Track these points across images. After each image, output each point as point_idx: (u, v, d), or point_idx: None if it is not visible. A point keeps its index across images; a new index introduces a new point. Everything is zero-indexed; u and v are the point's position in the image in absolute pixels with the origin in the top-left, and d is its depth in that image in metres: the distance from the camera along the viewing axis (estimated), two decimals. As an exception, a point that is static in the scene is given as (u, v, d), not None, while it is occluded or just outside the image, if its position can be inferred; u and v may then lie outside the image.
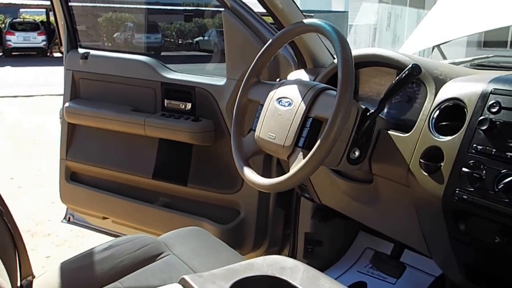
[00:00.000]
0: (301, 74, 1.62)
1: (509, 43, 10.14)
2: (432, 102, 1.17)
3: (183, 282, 0.85)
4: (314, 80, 1.54)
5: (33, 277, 1.23)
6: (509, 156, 0.97)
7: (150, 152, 2.04)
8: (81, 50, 2.18)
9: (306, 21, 1.25)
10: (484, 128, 1.01)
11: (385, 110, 1.34)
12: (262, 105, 1.30)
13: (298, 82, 1.27)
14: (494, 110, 1.02)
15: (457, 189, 1.04)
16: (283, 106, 1.23)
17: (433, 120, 1.15)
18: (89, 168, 2.19)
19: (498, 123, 1.00)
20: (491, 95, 1.05)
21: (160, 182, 2.02)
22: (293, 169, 1.10)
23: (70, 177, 2.26)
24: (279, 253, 2.02)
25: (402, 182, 1.22)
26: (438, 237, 1.20)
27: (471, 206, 1.03)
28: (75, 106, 2.14)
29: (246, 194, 1.89)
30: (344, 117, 1.05)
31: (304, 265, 0.93)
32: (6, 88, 9.61)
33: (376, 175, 1.30)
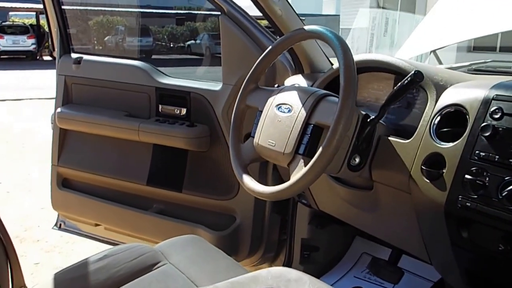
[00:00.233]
0: (299, 80, 1.60)
1: (498, 48, 10.24)
2: (433, 108, 1.16)
3: None
4: (312, 86, 1.52)
5: None
6: None
7: (144, 158, 2.01)
8: (74, 55, 2.15)
9: (307, 27, 1.24)
10: (486, 134, 1.00)
11: (384, 116, 1.33)
12: (261, 112, 1.28)
13: (298, 88, 1.25)
14: (496, 116, 1.01)
15: (460, 196, 1.03)
16: (282, 113, 1.21)
17: (434, 126, 1.14)
18: (82, 174, 2.16)
19: (500, 129, 0.99)
20: (493, 101, 1.04)
21: (154, 188, 2.00)
22: (295, 177, 1.08)
23: (62, 183, 2.23)
24: (274, 259, 2.00)
25: (403, 188, 1.20)
26: (439, 243, 1.18)
27: (475, 214, 1.01)
28: (67, 112, 2.11)
29: (242, 200, 1.87)
30: (347, 124, 1.03)
31: (309, 277, 0.91)
32: (-6, 91, 9.52)
33: (376, 182, 1.29)
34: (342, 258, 1.96)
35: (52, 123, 2.20)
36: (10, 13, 21.41)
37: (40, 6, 2.16)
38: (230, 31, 1.74)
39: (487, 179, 0.99)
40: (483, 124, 1.02)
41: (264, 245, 1.93)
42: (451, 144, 1.08)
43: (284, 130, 1.18)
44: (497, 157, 0.98)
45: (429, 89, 1.20)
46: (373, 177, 1.27)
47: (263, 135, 1.24)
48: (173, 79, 1.98)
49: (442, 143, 1.10)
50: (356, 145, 1.20)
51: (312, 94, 1.18)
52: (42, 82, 10.71)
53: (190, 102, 1.90)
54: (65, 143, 2.19)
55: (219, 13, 1.76)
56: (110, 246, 2.20)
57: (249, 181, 1.22)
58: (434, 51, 2.11)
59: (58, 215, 2.36)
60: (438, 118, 1.14)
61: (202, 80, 1.95)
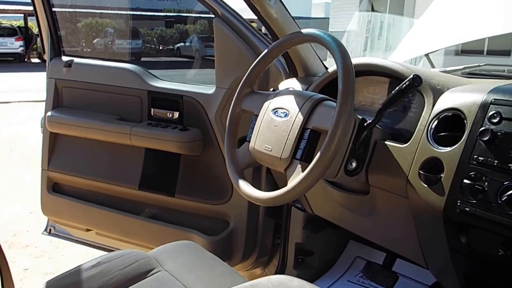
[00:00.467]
0: (294, 83, 1.59)
1: (485, 51, 10.35)
2: (430, 112, 1.16)
3: None
4: (307, 89, 1.51)
5: (17, 296, 1.17)
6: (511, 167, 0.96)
7: (136, 162, 1.99)
8: (64, 58, 2.12)
9: (304, 31, 1.22)
10: (485, 139, 1.00)
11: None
12: (257, 116, 1.27)
13: (294, 92, 1.24)
14: (495, 120, 1.01)
15: (459, 201, 1.03)
16: (279, 117, 1.20)
17: (432, 131, 1.13)
18: (72, 178, 2.13)
19: (499, 134, 0.99)
20: (491, 105, 1.03)
21: (146, 193, 1.97)
22: (292, 182, 1.07)
23: (52, 188, 2.20)
24: (268, 263, 1.99)
25: (400, 193, 1.19)
26: (437, 248, 1.18)
27: (474, 219, 1.01)
28: (57, 115, 2.08)
29: (236, 205, 1.85)
30: (345, 128, 1.02)
31: (310, 285, 0.90)
32: (-18, 94, 9.41)
33: (373, 186, 1.28)
34: (336, 262, 1.95)
35: (42, 126, 2.17)
36: (-2, 15, 21.22)
37: (28, 8, 2.14)
38: (224, 34, 1.72)
39: (486, 183, 0.99)
40: (481, 129, 1.01)
41: (257, 250, 1.91)
42: (449, 149, 1.07)
43: (281, 134, 1.17)
44: (496, 161, 0.98)
45: (426, 93, 1.20)
46: (370, 182, 1.26)
47: (259, 140, 1.23)
48: (165, 82, 1.97)
49: (440, 147, 1.09)
50: (353, 149, 1.19)
51: (309, 99, 1.17)
52: (31, 85, 10.62)
53: (183, 105, 1.89)
54: (55, 147, 2.16)
55: (212, 15, 1.75)
56: (102, 252, 2.20)
57: (245, 186, 1.21)
58: (427, 55, 2.11)
59: (48, 220, 2.33)
60: (436, 122, 1.13)
61: (195, 84, 1.93)
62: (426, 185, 1.09)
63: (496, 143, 0.99)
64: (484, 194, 0.99)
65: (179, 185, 1.93)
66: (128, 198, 2.03)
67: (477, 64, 1.72)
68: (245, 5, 1.55)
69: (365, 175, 1.25)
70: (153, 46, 16.49)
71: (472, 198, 1.00)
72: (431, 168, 1.09)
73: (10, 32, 17.92)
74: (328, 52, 1.15)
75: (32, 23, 19.41)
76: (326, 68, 1.65)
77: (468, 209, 1.01)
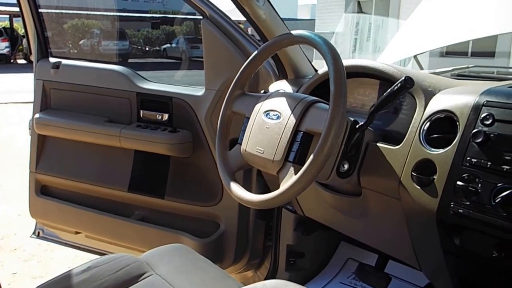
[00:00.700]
0: (284, 85, 1.59)
1: (469, 53, 10.47)
2: (422, 114, 1.16)
3: None
4: (297, 91, 1.51)
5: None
6: (505, 169, 0.96)
7: (125, 165, 1.97)
8: (52, 59, 2.10)
9: (294, 32, 1.22)
10: (478, 141, 1.00)
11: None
12: (248, 118, 1.26)
13: (286, 95, 1.23)
14: (487, 122, 1.01)
15: (452, 202, 1.03)
16: (271, 119, 1.19)
17: (424, 132, 1.13)
18: (61, 181, 2.11)
19: (492, 135, 0.99)
20: (483, 107, 1.04)
21: (136, 195, 1.96)
22: (285, 185, 1.06)
23: (41, 190, 2.17)
24: (259, 265, 1.98)
25: (392, 195, 1.20)
26: (430, 250, 1.18)
27: (467, 220, 1.01)
28: (45, 117, 2.05)
29: (226, 207, 1.84)
30: (338, 131, 1.02)
31: (306, 289, 0.89)
32: (-33, 96, 9.28)
33: (365, 188, 1.28)
34: (327, 264, 1.95)
35: (30, 128, 2.15)
36: (-18, 16, 20.98)
37: (14, 9, 2.11)
38: (213, 35, 1.72)
39: (480, 185, 0.99)
40: (474, 131, 1.02)
41: (249, 252, 1.91)
42: (441, 151, 1.07)
43: (273, 137, 1.16)
44: (489, 163, 0.98)
45: (418, 95, 1.20)
46: (362, 184, 1.26)
47: (251, 142, 1.22)
48: (154, 84, 1.95)
49: (433, 149, 1.09)
50: (345, 151, 1.19)
51: (301, 101, 1.17)
52: (17, 86, 10.50)
53: (172, 107, 1.87)
54: (43, 149, 2.14)
55: (199, 17, 1.74)
56: (91, 255, 2.17)
57: (237, 189, 1.20)
58: (415, 56, 2.12)
59: (36, 223, 2.31)
60: (428, 124, 1.13)
61: (184, 85, 1.92)
62: (419, 187, 1.09)
63: (489, 145, 1.00)
64: (478, 196, 0.99)
65: (169, 187, 1.92)
66: (118, 200, 2.01)
67: (466, 66, 1.73)
68: (232, 6, 1.54)
69: (357, 177, 1.25)
70: (139, 47, 16.42)
71: (465, 199, 1.01)
72: (424, 170, 1.10)
73: (-5, 33, 17.75)
74: (315, 54, 1.15)
75: (17, 24, 19.23)
76: (316, 70, 1.65)
77: (461, 210, 1.01)
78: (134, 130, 1.89)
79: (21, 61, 17.81)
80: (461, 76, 1.57)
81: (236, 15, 1.71)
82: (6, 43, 17.49)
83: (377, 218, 1.33)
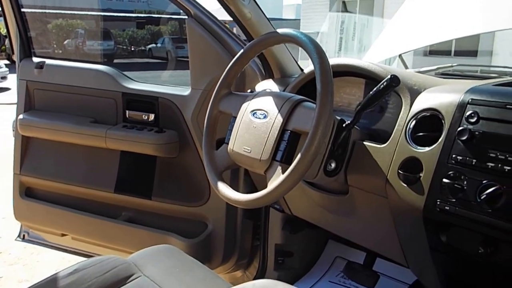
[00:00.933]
0: (270, 85, 1.59)
1: (452, 52, 10.58)
2: (407, 112, 1.17)
3: None
4: (283, 90, 1.51)
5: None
6: (490, 166, 0.97)
7: (111, 165, 1.96)
8: (35, 59, 2.07)
9: (280, 31, 1.22)
10: (463, 138, 1.01)
11: None
12: (235, 117, 1.26)
13: (272, 94, 1.23)
14: (472, 120, 1.02)
15: (438, 200, 1.04)
16: (258, 119, 1.19)
17: (410, 131, 1.14)
18: (46, 183, 2.08)
19: (477, 133, 1.00)
20: (468, 105, 1.05)
21: (122, 196, 1.94)
22: (272, 184, 1.06)
23: (25, 192, 2.14)
24: (248, 265, 1.98)
25: (379, 193, 1.20)
26: (417, 247, 1.19)
27: (454, 217, 1.02)
28: (29, 118, 2.03)
29: (214, 207, 1.84)
30: (325, 130, 1.02)
31: (295, 289, 0.89)
32: None
33: (352, 186, 1.28)
34: (316, 263, 1.96)
35: (13, 130, 2.12)
36: (-37, 16, 20.66)
37: (-5, 8, 2.07)
38: (198, 35, 1.71)
39: (465, 182, 1.00)
40: (459, 129, 1.03)
41: (237, 252, 1.90)
42: (427, 149, 1.08)
43: (260, 136, 1.16)
44: (474, 160, 0.99)
45: (403, 93, 1.21)
46: (349, 182, 1.27)
47: (238, 142, 1.22)
48: (140, 84, 1.94)
49: (419, 147, 1.10)
50: (332, 150, 1.19)
51: (288, 100, 1.17)
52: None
53: (158, 107, 1.86)
54: (28, 151, 2.11)
55: (184, 16, 1.74)
56: (78, 257, 2.15)
57: (224, 189, 1.20)
58: (400, 55, 2.13)
59: (21, 226, 2.28)
60: (414, 123, 1.14)
61: (170, 85, 1.91)
62: (405, 185, 1.10)
63: (474, 143, 1.01)
64: (464, 193, 1.00)
65: (156, 188, 1.91)
66: (104, 201, 2.00)
67: (450, 65, 1.74)
68: (218, 6, 1.53)
69: (344, 176, 1.26)
70: (125, 47, 16.33)
71: (451, 197, 1.02)
72: (410, 168, 1.10)
73: (-24, 33, 17.50)
74: (301, 53, 1.15)
75: (0, 24, 18.95)
76: (302, 69, 1.65)
77: (448, 208, 1.02)
78: (120, 131, 1.87)
79: (4, 61, 17.57)
80: (446, 75, 1.59)
81: (221, 15, 1.71)
82: (-12, 43, 17.28)
83: (364, 216, 1.34)
